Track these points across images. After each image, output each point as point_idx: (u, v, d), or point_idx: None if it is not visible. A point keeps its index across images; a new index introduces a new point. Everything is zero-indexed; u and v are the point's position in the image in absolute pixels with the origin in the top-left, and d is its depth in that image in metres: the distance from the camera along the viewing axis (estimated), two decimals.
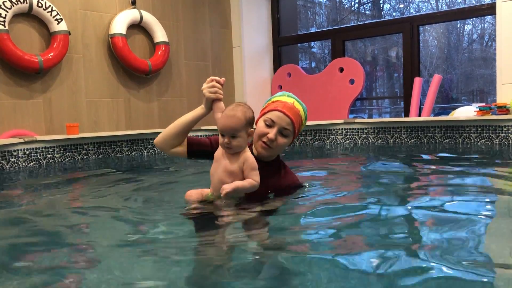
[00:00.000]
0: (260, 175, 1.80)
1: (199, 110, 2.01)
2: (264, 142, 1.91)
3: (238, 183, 1.75)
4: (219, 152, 1.86)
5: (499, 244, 1.37)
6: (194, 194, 1.89)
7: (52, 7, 4.30)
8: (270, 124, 1.92)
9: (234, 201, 1.83)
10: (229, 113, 1.78)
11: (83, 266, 1.33)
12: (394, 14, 12.05)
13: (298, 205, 1.93)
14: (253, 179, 1.78)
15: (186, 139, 2.06)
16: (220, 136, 1.81)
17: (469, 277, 1.11)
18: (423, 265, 1.19)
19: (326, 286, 1.10)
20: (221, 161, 1.82)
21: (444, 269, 1.15)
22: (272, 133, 1.90)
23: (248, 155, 1.81)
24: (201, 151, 2.05)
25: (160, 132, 2.05)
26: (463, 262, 1.19)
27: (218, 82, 1.95)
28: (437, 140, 4.30)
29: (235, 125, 1.76)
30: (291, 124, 1.93)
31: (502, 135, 4.00)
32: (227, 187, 1.72)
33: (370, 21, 6.35)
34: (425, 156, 3.75)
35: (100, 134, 4.27)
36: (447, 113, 5.28)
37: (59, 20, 4.35)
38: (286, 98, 1.99)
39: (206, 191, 1.88)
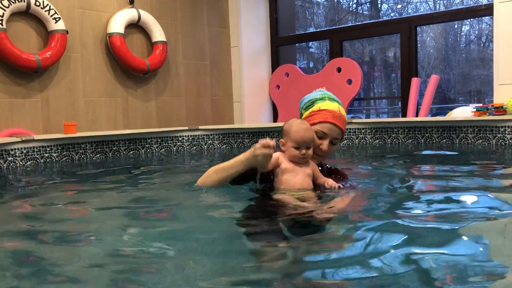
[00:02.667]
0: None
1: (241, 167, 1.95)
2: (316, 153, 2.00)
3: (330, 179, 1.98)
4: (288, 165, 1.93)
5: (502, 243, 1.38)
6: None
7: (50, 6, 4.29)
8: (321, 136, 2.00)
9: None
10: (304, 126, 1.92)
11: (82, 265, 1.34)
12: (392, 14, 12.08)
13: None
14: (323, 178, 1.98)
15: None
16: (293, 149, 1.90)
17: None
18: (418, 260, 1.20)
19: None
20: (296, 170, 1.93)
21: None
22: (325, 144, 1.99)
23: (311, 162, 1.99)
24: (243, 177, 2.03)
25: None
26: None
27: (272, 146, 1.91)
28: (434, 141, 4.31)
29: (312, 137, 1.93)
30: (341, 133, 2.03)
31: (499, 135, 4.02)
32: (333, 183, 1.93)
33: (368, 22, 6.36)
34: (422, 156, 3.76)
35: (98, 133, 4.27)
36: (445, 114, 5.29)
37: (57, 19, 4.35)
38: (330, 103, 2.04)
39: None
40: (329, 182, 1.94)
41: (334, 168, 2.22)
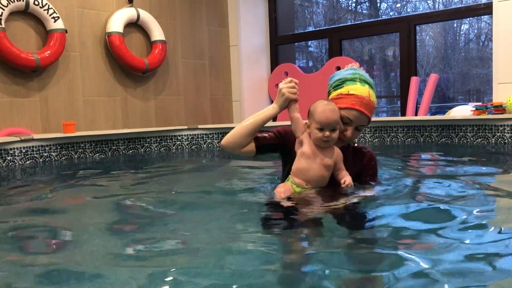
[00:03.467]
0: None
1: (272, 109, 1.97)
2: (340, 138, 1.93)
3: (347, 174, 1.90)
4: (309, 148, 1.87)
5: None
6: (285, 190, 1.90)
7: (48, 5, 4.29)
8: (347, 122, 1.93)
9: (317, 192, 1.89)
10: (330, 107, 1.84)
11: (81, 265, 1.33)
12: (391, 13, 12.07)
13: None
14: (344, 168, 1.91)
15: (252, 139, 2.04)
16: (316, 131, 1.83)
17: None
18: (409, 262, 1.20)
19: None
20: (316, 157, 1.86)
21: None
22: (349, 131, 1.92)
23: (337, 148, 1.91)
24: (269, 145, 2.03)
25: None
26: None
27: (296, 83, 1.95)
28: (433, 139, 4.32)
29: (337, 119, 1.84)
30: (367, 120, 1.95)
31: (498, 134, 4.02)
32: (350, 182, 1.86)
33: (367, 20, 6.36)
34: (422, 155, 3.76)
35: (97, 133, 4.26)
36: (444, 113, 5.29)
37: (55, 18, 4.34)
38: (360, 87, 1.92)
39: (290, 187, 1.90)
40: (346, 180, 1.86)
41: (361, 147, 2.10)
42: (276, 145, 2.03)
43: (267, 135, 2.05)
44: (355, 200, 1.85)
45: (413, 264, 1.20)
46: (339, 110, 1.89)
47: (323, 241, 1.50)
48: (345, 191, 1.89)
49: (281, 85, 1.94)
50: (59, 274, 1.26)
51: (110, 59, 4.91)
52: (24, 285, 1.20)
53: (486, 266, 1.19)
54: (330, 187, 1.92)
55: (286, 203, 1.82)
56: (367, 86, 1.94)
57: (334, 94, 1.97)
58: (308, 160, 1.87)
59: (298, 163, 1.89)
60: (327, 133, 1.82)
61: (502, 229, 1.50)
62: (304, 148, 1.88)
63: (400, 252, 1.29)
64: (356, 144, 2.12)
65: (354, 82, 1.93)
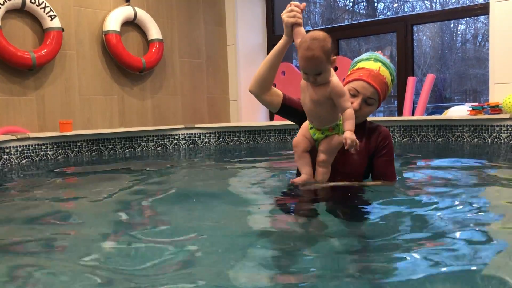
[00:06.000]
0: None
1: (282, 40, 1.92)
2: None
3: (349, 127, 1.71)
4: (303, 82, 1.80)
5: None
6: (301, 142, 1.85)
7: (45, 4, 4.27)
8: (354, 94, 1.90)
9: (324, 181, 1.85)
10: (308, 54, 1.66)
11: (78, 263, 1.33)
12: (388, 13, 12.09)
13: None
14: (345, 107, 1.73)
15: (282, 93, 2.01)
16: (303, 74, 1.74)
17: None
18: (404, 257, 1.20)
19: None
20: (306, 92, 1.79)
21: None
22: (356, 103, 1.88)
23: (334, 81, 1.74)
24: (294, 109, 2.00)
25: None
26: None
27: (297, 6, 1.88)
28: (430, 139, 4.32)
29: (317, 65, 1.68)
30: (375, 93, 1.91)
31: (495, 134, 4.03)
32: (350, 139, 1.67)
33: (365, 20, 6.37)
34: (418, 155, 3.76)
35: (94, 132, 4.25)
36: (440, 112, 5.31)
37: (52, 17, 4.33)
38: (372, 63, 1.93)
39: (307, 131, 1.85)
40: (347, 140, 1.68)
41: (376, 126, 2.05)
42: (298, 111, 1.98)
43: (296, 99, 2.02)
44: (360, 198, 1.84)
45: (417, 263, 1.20)
46: (347, 85, 1.87)
47: (321, 243, 1.49)
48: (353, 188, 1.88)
49: (283, 12, 1.89)
50: (54, 274, 1.25)
51: (107, 57, 4.90)
52: (19, 283, 1.19)
53: (487, 264, 1.19)
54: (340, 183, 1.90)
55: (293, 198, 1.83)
56: (379, 63, 1.93)
57: (349, 73, 1.98)
58: (302, 95, 1.83)
59: (301, 97, 1.86)
60: (311, 78, 1.72)
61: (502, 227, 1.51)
62: (302, 81, 1.82)
63: (402, 255, 1.29)
64: (370, 123, 2.07)
65: (367, 60, 1.95)
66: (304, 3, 1.90)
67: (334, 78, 1.75)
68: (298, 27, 1.84)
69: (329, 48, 1.68)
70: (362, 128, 2.00)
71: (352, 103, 1.87)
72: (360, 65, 1.95)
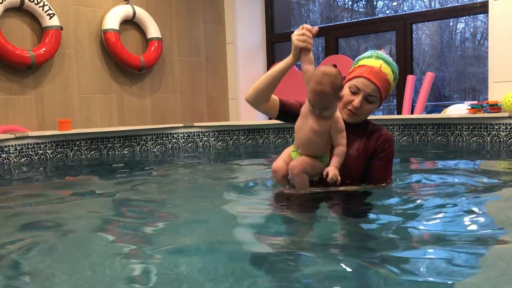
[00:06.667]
0: (347, 137, 1.80)
1: (288, 59, 1.90)
2: (349, 109, 1.90)
3: (336, 163, 1.74)
4: (306, 108, 1.80)
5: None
6: (281, 168, 1.85)
7: (44, 2, 4.26)
8: (355, 91, 1.89)
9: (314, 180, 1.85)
10: (317, 88, 1.68)
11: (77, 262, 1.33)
12: (387, 11, 12.08)
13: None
14: (340, 144, 1.76)
15: (278, 99, 2.00)
16: (309, 105, 1.75)
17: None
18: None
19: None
20: (308, 119, 1.78)
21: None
22: (357, 100, 1.88)
23: (337, 116, 1.76)
24: (292, 113, 1.98)
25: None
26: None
27: (309, 30, 1.85)
28: (429, 138, 4.33)
29: (325, 100, 1.70)
30: (376, 90, 1.89)
31: (494, 132, 4.03)
32: (333, 174, 1.69)
33: (364, 19, 6.36)
34: (417, 153, 3.76)
35: (92, 130, 4.25)
36: (440, 111, 5.31)
37: (51, 15, 4.32)
38: (373, 60, 1.92)
39: (289, 156, 1.85)
40: (329, 172, 1.71)
41: (379, 128, 2.02)
42: (297, 113, 1.95)
43: (294, 102, 2.02)
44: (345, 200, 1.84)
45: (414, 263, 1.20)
46: (348, 82, 1.88)
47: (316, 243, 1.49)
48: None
49: (294, 32, 1.87)
50: (52, 271, 1.25)
51: (106, 56, 4.89)
52: (18, 283, 1.19)
53: (487, 263, 1.19)
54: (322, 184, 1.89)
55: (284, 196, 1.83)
56: (381, 61, 1.92)
57: (350, 71, 1.97)
58: (301, 120, 1.82)
59: (297, 121, 1.85)
60: (317, 111, 1.74)
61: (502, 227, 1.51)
62: (303, 107, 1.83)
63: (402, 255, 1.29)
64: (372, 124, 2.05)
65: (369, 58, 1.94)
66: (316, 28, 1.87)
67: (338, 113, 1.78)
68: (307, 53, 1.84)
69: (339, 85, 1.70)
70: (363, 128, 1.99)
71: (352, 100, 1.88)
72: (361, 62, 1.95)
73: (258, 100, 1.95)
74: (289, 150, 1.91)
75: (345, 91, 1.91)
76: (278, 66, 1.93)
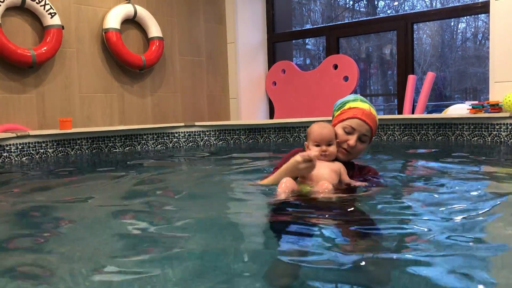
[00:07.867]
0: None
1: (276, 178, 1.99)
2: (344, 148, 2.03)
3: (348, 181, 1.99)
4: (316, 163, 1.93)
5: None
6: (291, 186, 1.92)
7: (45, 1, 4.27)
8: (349, 131, 2.02)
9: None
10: (322, 125, 2.01)
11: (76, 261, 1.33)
12: (388, 11, 12.07)
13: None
14: (347, 181, 1.99)
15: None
16: (314, 147, 1.98)
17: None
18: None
19: None
20: (322, 164, 1.96)
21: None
22: (352, 140, 2.01)
23: (341, 163, 2.01)
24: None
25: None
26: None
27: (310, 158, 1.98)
28: (430, 138, 4.33)
29: (330, 134, 1.99)
30: (369, 130, 2.05)
31: (495, 132, 4.03)
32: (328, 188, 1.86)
33: (365, 19, 6.36)
34: (418, 153, 3.76)
35: (93, 130, 4.25)
36: (440, 111, 5.31)
37: (52, 14, 4.32)
38: (361, 103, 2.08)
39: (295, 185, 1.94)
40: (356, 183, 1.96)
41: (364, 166, 2.21)
42: None
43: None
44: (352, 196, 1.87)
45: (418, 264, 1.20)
46: (342, 123, 2.03)
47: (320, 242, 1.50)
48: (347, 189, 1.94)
49: (299, 159, 1.89)
50: (53, 271, 1.25)
51: (107, 55, 4.90)
52: (18, 281, 1.19)
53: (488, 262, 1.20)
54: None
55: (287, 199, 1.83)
56: (367, 104, 2.09)
57: (337, 113, 2.11)
58: (316, 168, 1.92)
59: (309, 175, 1.94)
60: (324, 147, 1.96)
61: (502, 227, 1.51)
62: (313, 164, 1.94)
63: (407, 257, 1.30)
64: (358, 164, 2.19)
65: (355, 101, 2.09)
66: (315, 150, 2.00)
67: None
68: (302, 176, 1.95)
69: (334, 132, 2.02)
70: (351, 165, 2.12)
71: (347, 140, 2.02)
72: (350, 105, 2.08)
73: None
74: (293, 184, 1.93)
75: (339, 131, 2.06)
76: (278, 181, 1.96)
